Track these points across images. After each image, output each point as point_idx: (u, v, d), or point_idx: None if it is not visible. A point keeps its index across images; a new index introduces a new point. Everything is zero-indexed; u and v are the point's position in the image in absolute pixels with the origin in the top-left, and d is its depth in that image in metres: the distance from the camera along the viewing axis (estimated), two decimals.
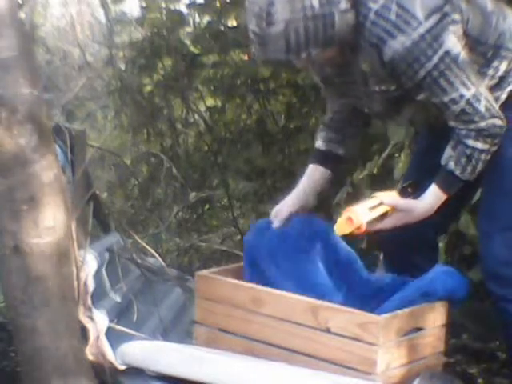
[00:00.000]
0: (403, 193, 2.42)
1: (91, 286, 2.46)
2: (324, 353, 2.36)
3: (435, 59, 2.25)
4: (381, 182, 3.41)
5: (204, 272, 2.64)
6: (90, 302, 2.39)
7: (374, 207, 2.37)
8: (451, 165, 2.34)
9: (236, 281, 2.58)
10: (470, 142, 2.31)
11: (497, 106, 2.34)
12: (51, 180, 2.18)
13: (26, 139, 2.13)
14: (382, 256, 2.88)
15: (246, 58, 4.65)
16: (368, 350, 2.29)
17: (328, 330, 2.36)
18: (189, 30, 4.84)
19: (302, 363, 2.36)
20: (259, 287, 2.54)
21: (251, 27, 2.26)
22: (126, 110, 5.14)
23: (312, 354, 2.38)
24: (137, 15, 5.08)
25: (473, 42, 2.36)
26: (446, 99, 2.30)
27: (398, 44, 2.24)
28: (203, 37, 4.60)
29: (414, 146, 2.94)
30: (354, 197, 3.52)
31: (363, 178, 3.49)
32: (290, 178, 4.50)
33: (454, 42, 2.28)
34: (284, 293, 2.54)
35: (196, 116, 5.09)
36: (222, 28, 4.54)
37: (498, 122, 2.32)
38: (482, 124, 2.30)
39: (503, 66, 2.41)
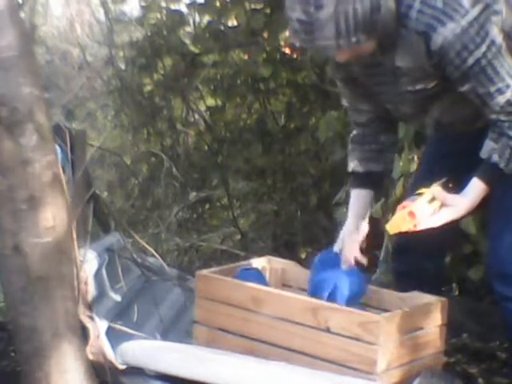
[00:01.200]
0: (445, 188, 2.35)
1: (91, 286, 2.46)
2: (324, 353, 2.36)
3: (483, 47, 2.22)
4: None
5: (204, 272, 2.64)
6: (90, 301, 2.39)
7: (430, 202, 2.30)
8: (495, 157, 2.29)
9: (236, 281, 2.58)
10: None
11: None
12: (51, 180, 2.18)
13: (26, 139, 2.12)
14: (381, 256, 2.88)
15: (246, 57, 4.66)
16: (368, 350, 2.30)
17: (328, 330, 2.36)
18: (189, 29, 4.84)
19: (302, 363, 2.36)
20: (259, 287, 2.55)
21: (296, 15, 2.17)
22: (126, 110, 5.15)
23: (312, 354, 2.38)
24: (137, 15, 5.08)
25: (506, 36, 2.33)
26: (492, 89, 2.26)
27: (447, 31, 2.20)
28: (203, 37, 4.60)
29: (426, 149, 2.89)
30: None
31: None
32: (290, 178, 4.53)
33: (496, 32, 2.25)
34: (284, 293, 2.54)
35: (196, 116, 5.10)
36: (222, 28, 4.54)
37: None
38: None
39: None
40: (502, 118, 2.29)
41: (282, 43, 4.52)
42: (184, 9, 4.76)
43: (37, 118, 2.14)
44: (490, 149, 2.30)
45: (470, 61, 2.23)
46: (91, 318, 2.37)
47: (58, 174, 2.21)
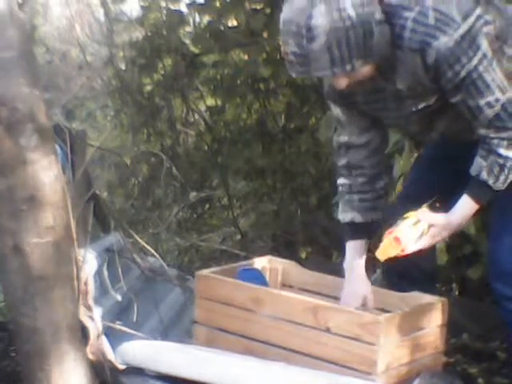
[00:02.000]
0: (432, 208, 2.36)
1: (91, 286, 2.46)
2: (324, 353, 2.36)
3: (475, 60, 2.25)
4: None
5: (204, 272, 2.64)
6: (90, 301, 2.39)
7: (414, 225, 2.31)
8: (484, 175, 2.31)
9: (236, 281, 2.58)
10: (503, 152, 2.29)
11: None
12: (51, 180, 2.18)
13: (26, 139, 2.13)
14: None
15: (246, 57, 4.66)
16: (368, 350, 2.30)
17: (328, 330, 2.36)
18: (189, 29, 4.84)
19: (302, 363, 2.36)
20: (259, 287, 2.55)
21: (290, 49, 2.21)
22: (125, 110, 5.14)
23: (312, 354, 2.38)
24: (137, 15, 5.08)
25: (501, 42, 2.36)
26: (481, 102, 2.28)
27: (441, 44, 2.22)
28: (203, 37, 4.59)
29: (422, 152, 2.88)
30: None
31: None
32: (290, 178, 4.53)
33: (486, 45, 2.27)
34: (284, 293, 2.54)
35: (196, 116, 5.09)
36: (222, 28, 4.54)
37: None
38: None
39: None
40: (491, 134, 2.30)
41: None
42: (184, 9, 4.75)
43: (37, 118, 2.14)
44: (479, 166, 2.31)
45: (463, 73, 2.26)
46: (91, 318, 2.37)
47: (58, 174, 2.21)
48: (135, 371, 2.35)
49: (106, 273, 2.72)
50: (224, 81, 4.71)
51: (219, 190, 4.84)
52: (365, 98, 2.41)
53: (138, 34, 5.07)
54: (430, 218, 2.33)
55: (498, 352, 3.01)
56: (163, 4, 4.77)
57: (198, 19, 4.81)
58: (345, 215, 2.55)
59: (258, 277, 2.65)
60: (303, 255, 4.17)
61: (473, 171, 2.32)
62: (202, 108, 5.06)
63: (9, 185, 2.13)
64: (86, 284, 2.40)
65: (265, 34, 4.37)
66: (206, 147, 4.97)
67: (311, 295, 2.60)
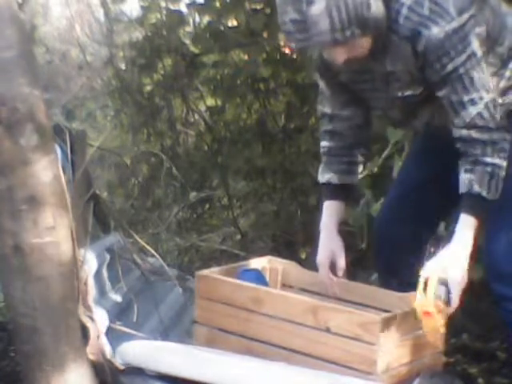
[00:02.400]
0: (430, 256, 2.32)
1: (91, 286, 2.46)
2: (324, 353, 2.36)
3: (464, 56, 2.25)
4: (381, 181, 3.41)
5: (204, 272, 2.64)
6: (90, 301, 2.39)
7: (425, 289, 2.27)
8: (476, 187, 2.29)
9: (236, 281, 2.58)
10: (489, 159, 2.29)
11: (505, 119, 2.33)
12: (51, 180, 2.18)
13: (26, 139, 2.12)
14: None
15: (246, 57, 4.66)
16: (368, 350, 2.29)
17: (328, 330, 2.36)
18: (189, 29, 4.84)
19: (302, 363, 2.36)
20: (259, 287, 2.55)
21: (290, 17, 2.20)
22: (125, 110, 5.14)
23: (312, 354, 2.38)
24: (137, 15, 5.08)
25: (493, 42, 2.37)
26: (465, 98, 2.28)
27: (432, 35, 2.23)
28: (203, 37, 4.59)
29: (412, 146, 2.91)
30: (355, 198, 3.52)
31: (363, 178, 3.48)
32: (290, 178, 4.53)
33: (478, 44, 2.28)
34: (284, 293, 2.54)
35: (196, 116, 5.09)
36: (222, 28, 4.53)
37: (507, 135, 2.31)
38: (496, 136, 2.29)
39: None
40: (474, 135, 2.29)
41: (282, 43, 4.52)
42: (184, 9, 4.75)
43: (37, 118, 2.14)
44: (468, 181, 2.30)
45: (449, 67, 2.26)
46: (91, 318, 2.37)
47: (58, 174, 2.21)
48: (135, 371, 2.35)
49: (106, 273, 2.72)
50: (224, 81, 4.70)
51: (219, 190, 4.84)
52: (353, 76, 2.42)
53: (138, 33, 5.06)
54: (435, 269, 2.29)
55: (498, 352, 3.01)
56: (163, 4, 4.77)
57: (197, 19, 4.81)
58: (322, 176, 2.61)
59: (258, 277, 2.65)
60: (303, 255, 4.16)
61: (463, 188, 2.30)
62: (202, 108, 5.06)
63: (9, 185, 2.13)
64: (85, 284, 2.40)
65: (265, 34, 4.37)
66: (206, 147, 4.97)
67: (311, 295, 2.60)
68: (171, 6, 4.75)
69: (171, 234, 4.47)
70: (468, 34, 2.26)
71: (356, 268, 3.43)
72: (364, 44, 2.28)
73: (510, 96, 2.41)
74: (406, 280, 2.54)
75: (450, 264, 2.30)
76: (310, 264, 2.72)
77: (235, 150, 4.71)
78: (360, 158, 2.63)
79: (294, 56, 4.50)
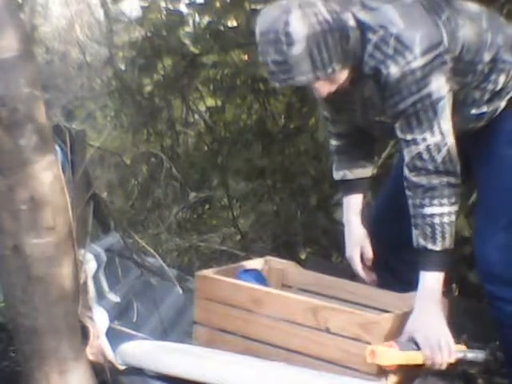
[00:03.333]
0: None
1: (91, 286, 2.46)
2: (324, 353, 2.36)
3: (415, 97, 2.26)
4: (381, 182, 3.41)
5: (204, 272, 2.64)
6: (90, 301, 2.39)
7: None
8: (420, 241, 2.29)
9: (236, 281, 2.58)
10: (427, 210, 2.28)
11: (458, 164, 2.31)
12: (51, 180, 2.17)
13: (25, 139, 2.12)
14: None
15: (246, 57, 4.65)
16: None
17: (328, 330, 2.36)
18: (189, 30, 4.83)
19: (302, 363, 2.36)
20: (259, 287, 2.55)
21: (271, 58, 2.22)
22: (125, 110, 5.14)
23: (312, 354, 2.38)
24: (136, 15, 5.08)
25: (468, 64, 2.38)
26: (408, 137, 2.29)
27: (389, 74, 2.26)
28: (203, 37, 4.59)
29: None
30: None
31: None
32: (290, 178, 4.53)
33: (440, 84, 2.28)
34: (284, 293, 2.54)
35: (196, 116, 5.09)
36: (222, 28, 4.53)
37: (453, 180, 2.29)
38: (435, 180, 2.27)
39: (502, 79, 2.42)
40: (413, 178, 2.30)
41: None
42: (184, 9, 4.75)
43: (37, 119, 2.14)
44: (415, 236, 2.31)
45: (401, 106, 2.28)
46: (91, 318, 2.37)
47: (58, 174, 2.21)
48: (135, 371, 2.35)
49: (105, 273, 2.72)
50: (224, 81, 4.70)
51: (219, 191, 4.84)
52: (334, 96, 2.42)
53: (138, 34, 5.06)
54: (406, 331, 2.27)
55: (498, 352, 3.00)
56: (163, 4, 4.77)
57: (197, 19, 4.80)
58: (337, 173, 2.67)
59: (258, 277, 2.65)
60: (303, 256, 4.16)
61: (414, 244, 2.31)
62: (202, 108, 5.06)
63: (9, 185, 2.13)
64: (85, 284, 2.40)
65: None
66: (205, 148, 4.97)
67: (311, 295, 2.60)
68: (171, 6, 4.75)
69: (171, 234, 4.48)
70: (428, 75, 2.26)
71: None
72: (344, 75, 2.31)
73: (495, 103, 2.43)
74: (404, 278, 2.54)
75: (417, 328, 2.28)
76: (309, 264, 2.72)
77: (235, 151, 4.71)
78: (370, 150, 2.68)
79: None
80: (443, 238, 2.28)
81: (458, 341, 2.44)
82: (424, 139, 2.28)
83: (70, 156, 2.71)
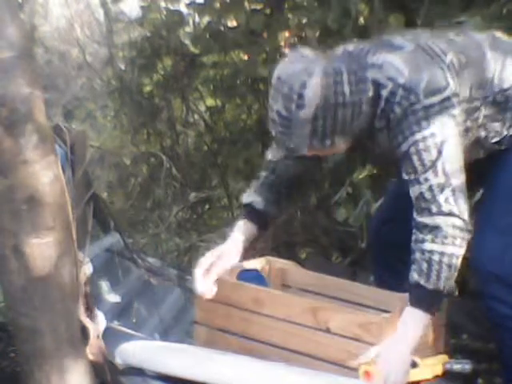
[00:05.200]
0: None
1: (91, 287, 2.46)
2: (324, 353, 2.36)
3: (417, 136, 2.24)
4: (380, 182, 3.41)
5: None
6: (90, 301, 2.39)
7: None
8: (414, 276, 2.23)
9: (236, 281, 2.58)
10: (427, 246, 2.22)
11: (465, 207, 2.26)
12: (51, 180, 2.17)
13: (25, 139, 2.12)
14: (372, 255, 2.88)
15: (245, 57, 4.66)
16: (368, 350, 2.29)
17: (328, 330, 2.36)
18: (189, 30, 4.84)
19: (302, 363, 2.36)
20: (259, 288, 2.55)
21: (277, 108, 2.20)
22: (125, 110, 5.14)
23: (312, 354, 2.38)
24: (136, 15, 5.08)
25: (481, 100, 2.38)
26: (412, 177, 2.27)
27: (394, 115, 2.26)
28: (203, 37, 4.59)
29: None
30: (354, 197, 3.53)
31: (363, 179, 3.49)
32: None
33: (447, 127, 2.26)
34: (284, 293, 2.54)
35: (196, 116, 5.09)
36: (222, 28, 4.54)
37: (458, 222, 2.23)
38: (439, 220, 2.23)
39: None
40: (417, 218, 2.25)
41: (282, 43, 4.52)
42: (184, 9, 4.75)
43: (37, 118, 2.14)
44: (411, 271, 2.25)
45: (403, 146, 2.26)
46: (91, 318, 2.37)
47: (58, 174, 2.20)
48: (135, 371, 2.35)
49: (105, 273, 2.72)
50: (224, 81, 4.70)
51: (219, 191, 4.84)
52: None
53: (138, 34, 5.06)
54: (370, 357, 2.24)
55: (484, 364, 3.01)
56: (163, 4, 4.77)
57: (197, 19, 4.81)
58: (248, 197, 2.59)
59: (258, 277, 2.65)
60: (303, 256, 4.16)
61: (409, 278, 2.26)
62: (202, 108, 5.06)
63: (9, 185, 2.13)
64: (85, 284, 2.40)
65: (265, 34, 4.37)
66: (205, 147, 4.97)
67: (311, 296, 2.60)
68: (171, 6, 4.75)
69: (171, 234, 4.48)
70: (431, 116, 2.24)
71: (356, 268, 3.44)
72: (342, 147, 2.29)
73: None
74: (403, 279, 2.55)
75: (382, 359, 2.23)
76: (309, 264, 2.72)
77: (235, 150, 4.71)
78: (293, 193, 2.60)
79: None
80: (438, 277, 2.21)
81: (458, 341, 2.44)
82: (426, 179, 2.24)
83: (70, 156, 2.71)
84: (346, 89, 2.19)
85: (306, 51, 2.26)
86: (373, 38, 2.62)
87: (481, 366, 2.93)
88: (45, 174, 2.16)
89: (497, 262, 2.40)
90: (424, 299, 2.23)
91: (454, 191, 2.24)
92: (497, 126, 2.43)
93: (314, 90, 2.16)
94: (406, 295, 2.46)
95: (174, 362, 2.30)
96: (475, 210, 2.57)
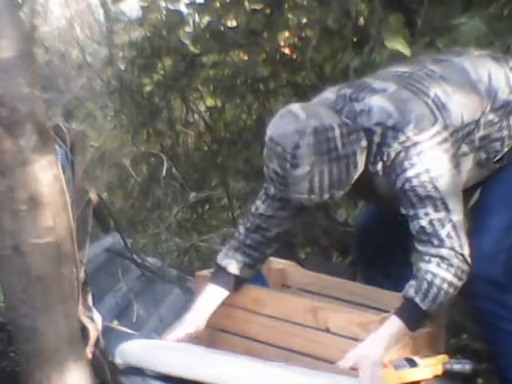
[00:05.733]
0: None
1: (91, 287, 2.46)
2: (324, 353, 2.36)
3: (410, 173, 2.25)
4: None
5: (204, 272, 2.64)
6: (90, 301, 2.39)
7: None
8: (411, 291, 2.23)
9: None
10: (432, 268, 2.23)
11: (465, 242, 2.26)
12: (51, 180, 2.17)
13: (25, 139, 2.12)
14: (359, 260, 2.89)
15: (245, 57, 4.66)
16: None
17: (328, 331, 2.36)
18: (189, 30, 4.83)
19: (302, 363, 2.36)
20: (259, 288, 2.55)
21: (273, 167, 2.22)
22: (125, 110, 5.14)
23: (312, 354, 2.38)
24: (136, 15, 5.08)
25: (474, 124, 2.38)
26: (411, 212, 2.27)
27: (388, 157, 2.27)
28: (203, 37, 4.59)
29: None
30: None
31: None
32: None
33: (441, 162, 2.27)
34: (284, 293, 2.54)
35: (196, 116, 5.09)
36: (222, 28, 4.53)
37: (460, 256, 2.24)
38: (444, 251, 2.23)
39: None
40: (420, 248, 2.26)
41: (282, 43, 4.52)
42: (184, 9, 4.75)
43: (37, 118, 2.14)
44: (409, 286, 2.25)
45: (398, 184, 2.28)
46: (91, 318, 2.37)
47: (58, 174, 2.20)
48: (135, 371, 2.35)
49: (105, 273, 2.72)
50: (224, 81, 4.70)
51: (219, 191, 4.84)
52: None
53: (138, 34, 5.06)
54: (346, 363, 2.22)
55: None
56: (163, 4, 4.77)
57: (197, 19, 4.81)
58: (222, 259, 2.54)
59: (258, 278, 2.65)
60: (303, 256, 4.16)
61: (403, 291, 2.25)
62: (202, 108, 5.06)
63: (9, 185, 2.13)
64: (85, 284, 2.40)
65: (265, 34, 4.38)
66: (205, 147, 4.97)
67: (311, 295, 2.60)
68: (171, 6, 4.75)
69: (171, 234, 4.47)
70: (423, 152, 2.25)
71: (356, 268, 3.44)
72: (341, 194, 2.30)
73: None
74: (392, 274, 2.56)
75: (360, 350, 2.23)
76: (309, 264, 2.72)
77: (235, 151, 4.71)
78: (267, 258, 2.59)
79: (294, 56, 4.51)
80: (434, 301, 2.22)
81: (458, 341, 2.44)
82: (426, 214, 2.24)
83: (70, 156, 2.71)
84: (339, 143, 2.21)
85: (296, 108, 2.27)
86: (350, 81, 2.63)
87: (481, 366, 2.93)
88: (45, 174, 2.16)
89: (490, 263, 2.40)
90: (413, 317, 2.24)
91: (454, 227, 2.25)
92: (497, 145, 2.44)
93: (306, 150, 2.18)
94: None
95: (174, 362, 2.30)
96: (471, 212, 2.58)
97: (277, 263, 2.80)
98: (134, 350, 2.38)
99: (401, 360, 2.28)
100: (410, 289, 2.23)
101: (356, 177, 2.27)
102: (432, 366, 2.31)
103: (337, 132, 2.20)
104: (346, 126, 2.23)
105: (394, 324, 2.24)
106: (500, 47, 3.06)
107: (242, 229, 2.53)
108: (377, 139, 2.28)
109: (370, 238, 2.71)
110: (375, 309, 2.52)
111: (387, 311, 2.44)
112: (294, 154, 2.17)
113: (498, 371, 2.55)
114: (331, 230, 3.96)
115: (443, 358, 2.35)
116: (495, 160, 2.46)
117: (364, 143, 2.26)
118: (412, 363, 2.26)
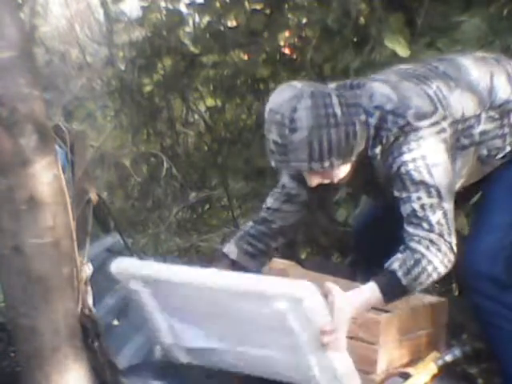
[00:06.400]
0: None
1: (91, 287, 2.46)
2: None
3: (406, 157, 2.26)
4: None
5: None
6: (90, 302, 2.39)
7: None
8: (395, 265, 2.21)
9: None
10: (422, 249, 2.22)
11: (453, 232, 2.26)
12: (51, 180, 2.17)
13: (26, 139, 2.12)
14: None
15: (245, 57, 4.66)
16: (368, 350, 2.29)
17: None
18: (189, 30, 4.84)
19: None
20: None
21: (272, 137, 2.23)
22: (125, 110, 5.14)
23: None
24: (136, 15, 5.08)
25: (474, 119, 2.40)
26: (404, 195, 2.27)
27: (387, 140, 2.29)
28: (203, 37, 4.60)
29: None
30: (354, 197, 3.53)
31: None
32: None
33: (437, 150, 2.28)
34: None
35: (196, 116, 5.09)
36: (222, 28, 4.54)
37: (448, 244, 2.24)
38: (433, 236, 2.23)
39: None
40: (410, 230, 2.25)
41: (282, 43, 4.52)
42: (184, 9, 4.76)
43: (37, 118, 2.14)
44: (394, 259, 2.23)
45: (394, 167, 2.28)
46: (91, 318, 2.37)
47: (58, 174, 2.21)
48: (135, 371, 2.35)
49: (105, 273, 2.72)
50: (224, 81, 4.71)
51: (219, 191, 4.84)
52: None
53: (138, 34, 5.06)
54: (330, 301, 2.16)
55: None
56: (163, 4, 4.77)
57: (197, 19, 4.81)
58: (225, 247, 2.58)
59: None
60: (303, 255, 4.17)
61: (387, 263, 2.24)
62: (202, 108, 5.06)
63: (9, 185, 2.13)
64: (85, 284, 2.40)
65: (265, 34, 4.38)
66: (205, 147, 4.97)
67: None
68: (171, 6, 4.75)
69: (171, 234, 4.48)
70: (421, 138, 2.26)
71: (356, 268, 3.43)
72: (343, 171, 2.31)
73: None
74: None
75: (337, 295, 2.16)
76: (310, 264, 2.72)
77: (235, 150, 4.72)
78: (271, 250, 2.62)
79: (294, 56, 4.51)
80: (415, 279, 2.21)
81: (457, 341, 2.44)
82: (419, 198, 2.25)
83: (70, 156, 2.71)
84: (338, 110, 2.21)
85: (294, 82, 2.29)
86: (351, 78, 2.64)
87: (481, 366, 2.93)
88: (45, 174, 2.16)
89: (491, 261, 2.41)
90: (391, 289, 2.21)
91: (445, 214, 2.25)
92: (498, 142, 2.45)
93: (304, 112, 2.18)
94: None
95: (165, 267, 2.33)
96: (473, 210, 2.58)
97: (277, 263, 2.79)
98: (132, 261, 2.41)
99: (394, 378, 2.27)
100: (395, 262, 2.22)
101: (356, 151, 2.27)
102: (425, 369, 2.31)
103: (334, 100, 2.21)
104: (345, 100, 2.25)
105: (371, 290, 2.21)
106: (500, 47, 3.07)
107: (250, 222, 2.61)
108: (374, 121, 2.29)
109: (367, 237, 2.71)
110: (375, 309, 2.52)
111: (387, 311, 2.44)
112: (292, 117, 2.18)
113: (499, 371, 2.55)
114: (331, 230, 3.96)
115: (433, 355, 2.35)
116: (498, 158, 2.46)
117: (363, 118, 2.27)
118: (405, 376, 2.26)
